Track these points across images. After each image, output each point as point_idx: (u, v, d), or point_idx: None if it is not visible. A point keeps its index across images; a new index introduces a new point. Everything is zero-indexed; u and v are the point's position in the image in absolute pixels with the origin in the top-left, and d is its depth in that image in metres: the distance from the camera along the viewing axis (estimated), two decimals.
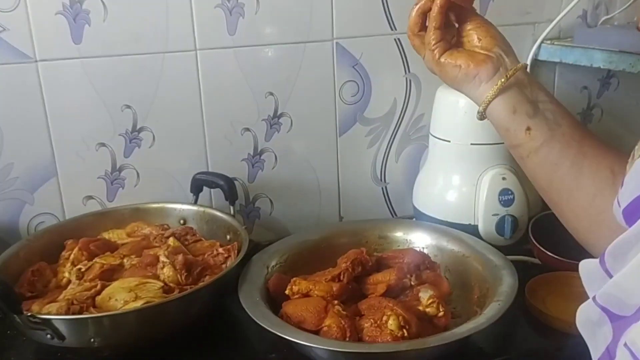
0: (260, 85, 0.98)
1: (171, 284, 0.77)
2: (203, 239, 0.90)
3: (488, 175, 0.92)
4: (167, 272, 0.78)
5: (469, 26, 0.65)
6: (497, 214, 0.92)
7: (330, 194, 1.08)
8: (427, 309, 0.72)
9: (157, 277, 0.78)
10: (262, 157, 1.02)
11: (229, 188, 0.92)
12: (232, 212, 0.92)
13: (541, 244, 0.91)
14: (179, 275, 0.78)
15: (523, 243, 0.95)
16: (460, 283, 0.81)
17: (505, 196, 0.92)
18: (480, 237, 0.93)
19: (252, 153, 1.01)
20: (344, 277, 0.76)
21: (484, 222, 0.92)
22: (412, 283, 0.76)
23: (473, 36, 0.64)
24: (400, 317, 0.68)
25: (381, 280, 0.77)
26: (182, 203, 0.96)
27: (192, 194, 0.96)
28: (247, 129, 1.00)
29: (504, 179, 0.92)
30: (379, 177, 1.10)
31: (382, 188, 1.11)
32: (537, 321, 0.78)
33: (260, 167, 1.03)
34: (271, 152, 1.03)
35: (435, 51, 0.64)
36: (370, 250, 0.88)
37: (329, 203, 1.09)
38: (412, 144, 1.10)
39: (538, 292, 0.83)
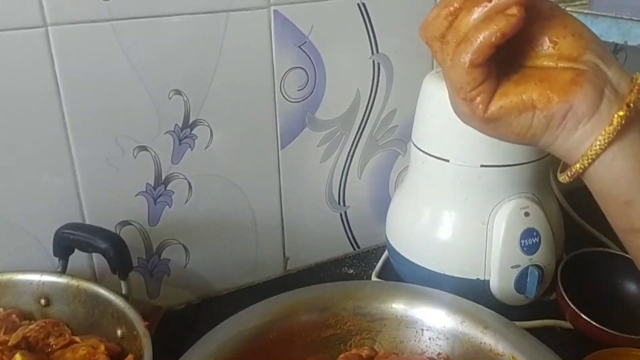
0: (161, 80, 0.63)
1: None
2: (77, 338, 0.56)
3: (505, 210, 0.64)
4: None
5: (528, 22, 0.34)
6: (518, 266, 0.64)
7: (271, 228, 0.76)
8: None
9: None
10: (168, 188, 0.68)
11: (117, 253, 0.57)
12: (123, 290, 0.58)
13: (572, 300, 0.65)
14: None
15: (543, 295, 0.69)
16: None
17: (529, 239, 0.64)
18: (492, 296, 0.66)
19: (152, 183, 0.67)
20: None
21: (500, 277, 0.65)
22: None
23: (541, 39, 0.35)
24: None
25: None
26: (43, 272, 0.60)
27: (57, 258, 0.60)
28: (144, 148, 0.65)
29: (526, 215, 0.64)
30: (337, 199, 0.79)
31: (341, 214, 0.81)
32: None
33: (166, 202, 0.68)
34: (182, 179, 0.68)
35: (479, 104, 0.35)
36: (342, 331, 0.59)
37: (270, 240, 0.77)
38: (380, 151, 0.80)
39: None
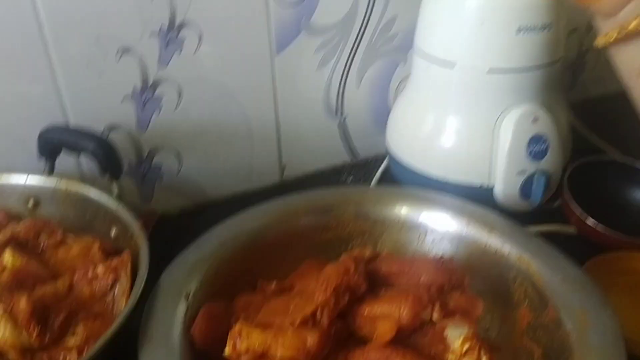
0: None
1: (12, 352, 0.42)
2: (70, 237, 0.54)
3: (512, 116, 0.61)
4: (2, 333, 0.42)
5: None
6: (524, 171, 0.62)
7: (266, 136, 0.74)
8: None
9: None
10: (157, 93, 0.64)
11: (105, 153, 0.54)
12: (115, 191, 0.55)
13: (578, 205, 0.63)
14: (25, 334, 0.43)
15: (546, 202, 0.68)
16: (491, 294, 0.53)
17: (537, 146, 0.62)
18: (495, 202, 0.64)
19: (139, 87, 0.63)
20: (322, 316, 0.45)
21: (505, 183, 0.63)
22: (435, 317, 0.46)
23: None
24: None
25: (384, 314, 0.46)
26: (29, 173, 0.58)
27: (43, 159, 0.57)
28: (127, 50, 0.60)
29: (535, 120, 0.62)
30: (335, 108, 0.76)
31: (339, 122, 0.78)
32: None
33: (155, 108, 0.65)
34: (172, 83, 0.64)
35: None
36: (343, 234, 0.57)
37: (265, 148, 0.74)
38: (379, 60, 0.76)
39: None
